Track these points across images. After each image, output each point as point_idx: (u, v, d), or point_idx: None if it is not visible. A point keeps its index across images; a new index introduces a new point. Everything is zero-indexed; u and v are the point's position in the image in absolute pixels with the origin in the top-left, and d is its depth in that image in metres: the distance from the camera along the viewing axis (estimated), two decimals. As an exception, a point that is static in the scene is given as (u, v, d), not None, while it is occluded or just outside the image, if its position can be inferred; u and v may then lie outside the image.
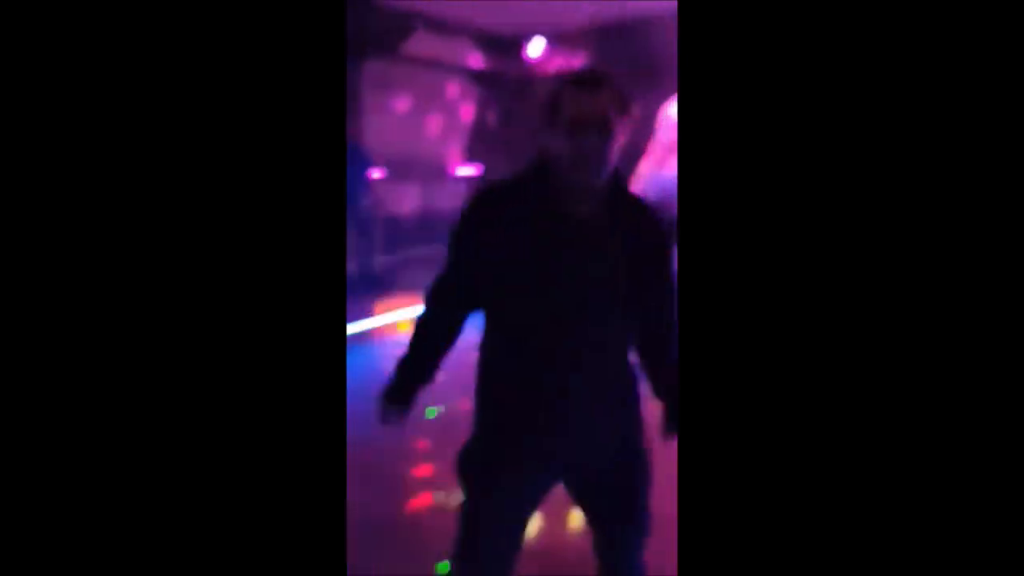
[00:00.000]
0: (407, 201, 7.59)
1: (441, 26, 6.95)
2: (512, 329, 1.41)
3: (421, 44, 7.07)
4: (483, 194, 1.45)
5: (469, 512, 1.47)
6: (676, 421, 1.47)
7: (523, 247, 1.34)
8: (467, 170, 8.30)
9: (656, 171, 3.12)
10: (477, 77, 8.12)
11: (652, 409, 1.55)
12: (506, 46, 7.81)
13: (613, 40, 6.88)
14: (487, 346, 1.46)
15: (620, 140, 1.31)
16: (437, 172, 8.01)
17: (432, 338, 1.50)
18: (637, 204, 1.44)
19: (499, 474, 1.44)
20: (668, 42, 6.42)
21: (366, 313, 4.57)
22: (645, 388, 1.54)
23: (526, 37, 7.69)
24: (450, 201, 8.14)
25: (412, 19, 6.83)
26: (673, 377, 1.39)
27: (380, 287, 5.76)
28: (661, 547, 1.63)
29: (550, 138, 1.31)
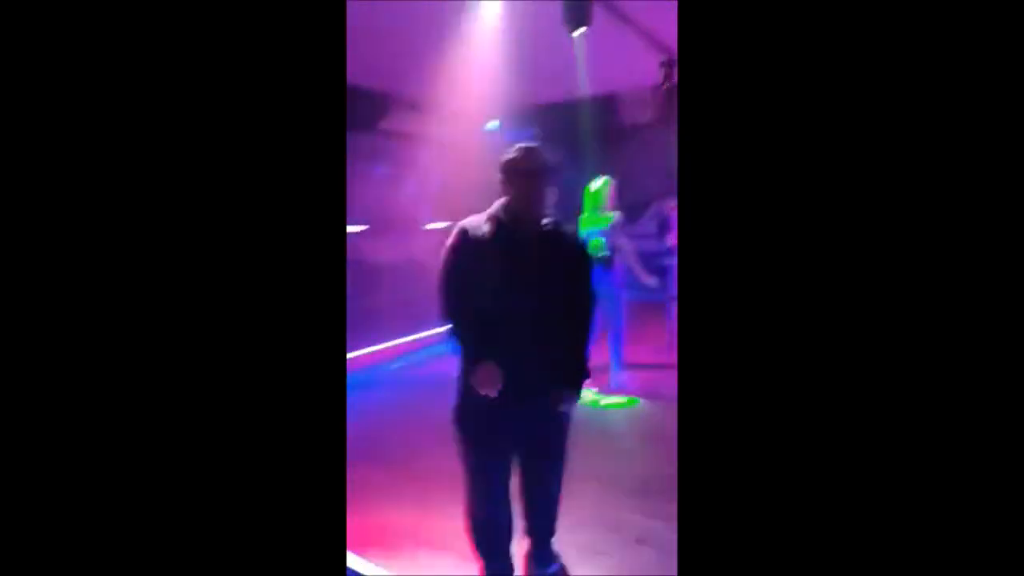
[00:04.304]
0: (387, 251, 8.63)
1: (412, 104, 8.15)
2: (485, 317, 1.94)
3: (396, 120, 8.30)
4: (463, 226, 2.01)
5: (466, 460, 2.08)
6: (572, 397, 2.01)
7: (492, 258, 1.91)
8: (436, 224, 9.35)
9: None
10: (443, 147, 9.25)
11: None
12: (467, 121, 9.05)
13: (551, 118, 8.27)
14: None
15: (552, 191, 1.95)
16: (411, 226, 9.07)
17: (468, 329, 2.01)
18: (564, 230, 2.09)
19: (475, 424, 2.02)
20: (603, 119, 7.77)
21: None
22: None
23: (486, 114, 8.95)
24: (422, 251, 9.11)
25: (389, 99, 8.05)
26: (573, 364, 1.98)
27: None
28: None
29: (512, 183, 1.95)
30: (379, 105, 8.05)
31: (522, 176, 1.93)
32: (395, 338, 5.67)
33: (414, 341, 5.84)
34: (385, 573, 2.36)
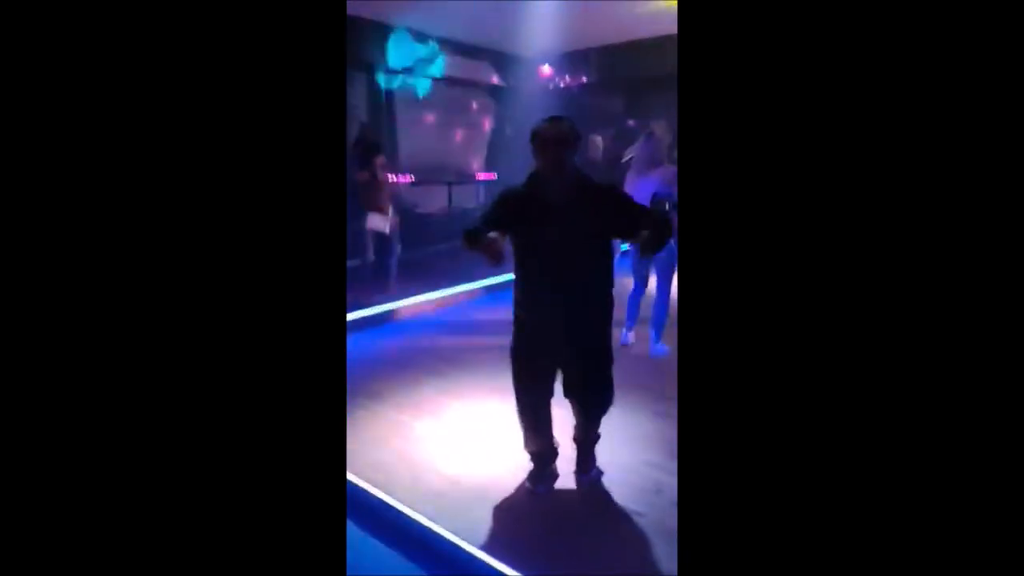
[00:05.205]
0: (436, 201, 8.46)
1: (465, 50, 7.85)
2: (525, 268, 2.27)
3: (449, 66, 8.03)
4: (506, 191, 2.26)
5: (516, 381, 2.37)
6: (650, 248, 2.16)
7: (526, 221, 2.15)
8: (486, 175, 9.16)
9: (638, 177, 3.98)
10: (496, 93, 8.98)
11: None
12: (522, 65, 8.73)
13: (609, 58, 7.86)
14: (516, 277, 2.32)
15: (572, 154, 2.11)
16: (461, 176, 8.87)
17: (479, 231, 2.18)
18: (591, 185, 2.19)
19: (523, 356, 2.32)
20: (663, 62, 7.35)
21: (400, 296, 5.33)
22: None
23: (539, 57, 8.60)
24: (472, 201, 8.94)
25: (441, 45, 7.80)
26: (655, 227, 2.12)
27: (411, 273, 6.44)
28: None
29: (535, 154, 2.15)
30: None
31: (546, 145, 2.09)
32: (440, 289, 5.57)
33: (459, 293, 5.69)
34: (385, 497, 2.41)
